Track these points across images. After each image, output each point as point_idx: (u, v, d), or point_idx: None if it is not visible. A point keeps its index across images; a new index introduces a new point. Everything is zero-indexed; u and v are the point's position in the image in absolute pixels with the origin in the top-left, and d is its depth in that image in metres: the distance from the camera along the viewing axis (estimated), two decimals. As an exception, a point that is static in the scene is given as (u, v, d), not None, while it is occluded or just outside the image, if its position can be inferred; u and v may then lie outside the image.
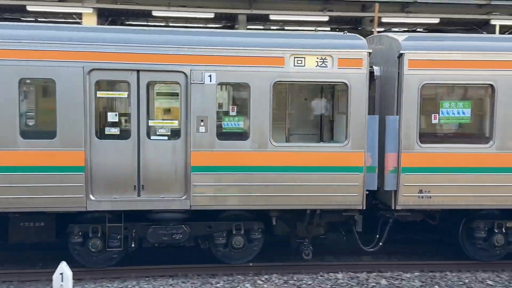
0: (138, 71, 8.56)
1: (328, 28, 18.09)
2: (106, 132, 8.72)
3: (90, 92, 8.44)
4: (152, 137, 8.73)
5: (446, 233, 10.63)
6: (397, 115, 9.17)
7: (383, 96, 9.55)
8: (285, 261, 9.91)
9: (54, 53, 8.33)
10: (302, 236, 9.72)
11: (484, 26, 15.08)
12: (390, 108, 9.32)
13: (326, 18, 16.16)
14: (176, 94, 8.99)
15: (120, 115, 8.99)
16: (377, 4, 13.70)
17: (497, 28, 14.69)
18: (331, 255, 10.51)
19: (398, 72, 9.13)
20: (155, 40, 8.67)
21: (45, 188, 8.47)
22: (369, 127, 9.07)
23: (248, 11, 15.60)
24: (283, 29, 17.80)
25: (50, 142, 8.43)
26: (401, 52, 9.06)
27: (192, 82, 8.62)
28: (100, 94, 8.65)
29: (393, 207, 9.42)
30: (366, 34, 12.67)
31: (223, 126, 9.23)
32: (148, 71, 8.58)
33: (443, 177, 9.25)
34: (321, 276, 9.29)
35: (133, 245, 9.06)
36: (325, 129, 10.37)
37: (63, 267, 7.31)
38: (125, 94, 8.73)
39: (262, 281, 9.03)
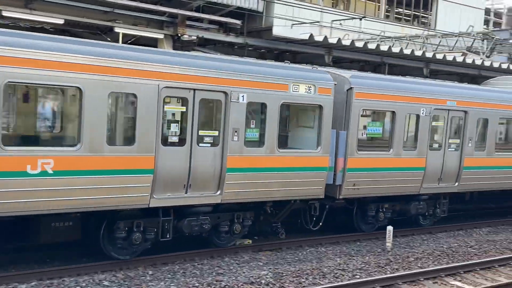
0: (194, 90, 10.21)
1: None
2: (169, 140, 10.19)
3: (159, 105, 9.78)
4: (200, 144, 10.42)
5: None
6: (345, 130, 12.53)
7: (335, 116, 12.43)
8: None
9: (137, 71, 9.49)
10: (276, 221, 12.44)
11: (109, 32, 15.32)
12: (340, 125, 12.55)
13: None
14: (217, 109, 10.75)
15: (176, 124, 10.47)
16: None
17: (121, 36, 14.96)
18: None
19: (347, 100, 12.57)
20: (208, 65, 10.39)
21: (121, 189, 9.52)
22: (331, 138, 12.22)
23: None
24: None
25: (129, 149, 9.59)
26: (352, 86, 12.51)
27: (231, 100, 10.66)
28: (166, 107, 10.12)
29: (337, 197, 12.71)
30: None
31: (246, 136, 11.04)
32: (201, 90, 10.28)
33: (366, 175, 13.07)
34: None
35: (168, 236, 10.46)
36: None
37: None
38: (184, 108, 10.34)
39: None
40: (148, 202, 9.92)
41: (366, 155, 12.91)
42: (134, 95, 9.58)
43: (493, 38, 24.57)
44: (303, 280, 9.99)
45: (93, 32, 15.30)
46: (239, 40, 16.39)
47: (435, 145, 14.24)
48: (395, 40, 28.67)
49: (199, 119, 10.41)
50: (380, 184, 13.22)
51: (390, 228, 12.72)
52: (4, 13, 13.41)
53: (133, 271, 10.00)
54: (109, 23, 14.58)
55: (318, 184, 12.13)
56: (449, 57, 18.29)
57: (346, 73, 13.03)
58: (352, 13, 33.98)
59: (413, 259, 11.95)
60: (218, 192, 10.71)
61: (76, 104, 9.18)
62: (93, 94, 9.09)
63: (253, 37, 16.69)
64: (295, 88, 11.58)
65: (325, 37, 16.42)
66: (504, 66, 20.05)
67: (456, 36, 25.79)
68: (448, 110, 14.24)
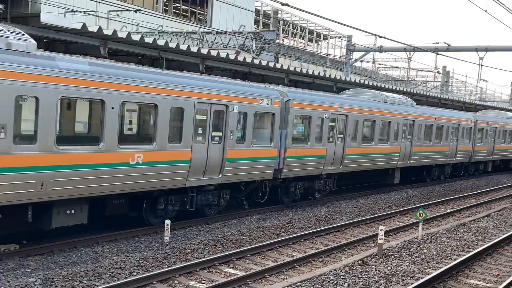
0: (211, 104, 14.22)
1: None
2: (197, 139, 13.96)
3: (194, 115, 13.72)
4: (212, 142, 14.37)
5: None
6: (285, 129, 16.93)
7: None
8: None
9: (185, 92, 13.45)
10: (241, 197, 16.71)
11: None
12: (282, 126, 16.99)
13: None
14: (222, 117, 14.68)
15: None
16: None
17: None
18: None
19: (286, 108, 17.09)
20: (217, 87, 14.44)
21: (174, 174, 13.38)
22: (279, 135, 16.71)
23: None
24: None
25: (177, 145, 13.40)
26: (289, 99, 17.11)
27: (230, 111, 14.75)
28: (197, 116, 13.87)
29: (279, 177, 17.08)
30: None
31: (236, 135, 15.18)
32: (214, 104, 14.29)
33: (296, 161, 17.51)
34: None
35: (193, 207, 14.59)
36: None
37: None
38: (205, 117, 14.15)
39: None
40: (185, 183, 13.84)
41: (296, 147, 17.60)
42: (182, 109, 13.47)
43: (261, 37, 26.47)
44: (76, 283, 9.51)
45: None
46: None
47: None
48: (173, 35, 29.12)
49: (213, 124, 14.38)
50: (302, 167, 18.00)
51: (168, 222, 12.85)
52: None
53: None
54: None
55: (270, 168, 16.79)
56: (223, 54, 19.12)
57: (285, 89, 17.86)
58: (130, 5, 33.48)
59: (190, 250, 12.26)
60: (220, 176, 14.81)
61: (153, 115, 12.88)
62: (163, 108, 12.89)
63: (19, 24, 15.24)
64: (261, 102, 16.11)
65: (100, 28, 15.77)
66: (271, 64, 21.71)
67: (229, 34, 27.16)
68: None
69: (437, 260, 12.78)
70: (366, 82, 28.02)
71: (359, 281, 10.62)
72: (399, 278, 11.04)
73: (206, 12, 58.05)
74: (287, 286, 10.16)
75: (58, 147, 10.77)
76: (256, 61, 20.59)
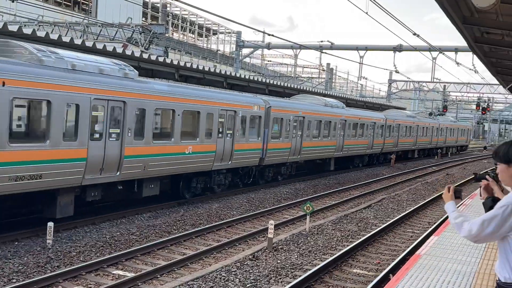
0: (226, 110, 19.41)
1: None
2: (219, 136, 19.13)
3: (217, 118, 18.83)
4: (226, 137, 19.58)
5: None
6: (266, 129, 22.33)
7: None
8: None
9: (214, 102, 18.74)
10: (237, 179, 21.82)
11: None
12: (266, 126, 22.33)
13: None
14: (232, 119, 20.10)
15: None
16: None
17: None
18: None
19: (267, 113, 22.45)
20: (228, 98, 19.99)
21: (206, 160, 18.55)
22: (263, 133, 22.07)
23: None
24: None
25: (209, 140, 18.62)
26: (271, 105, 22.63)
27: (237, 115, 20.10)
28: (219, 119, 18.95)
29: (263, 164, 22.57)
30: None
31: (240, 133, 20.42)
32: (228, 110, 19.51)
33: (273, 151, 23.02)
34: None
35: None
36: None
37: None
38: (223, 119, 19.25)
39: None
40: (211, 168, 18.96)
41: (273, 142, 23.04)
42: (212, 114, 18.53)
43: (150, 31, 25.90)
44: None
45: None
46: None
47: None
48: (54, 26, 27.60)
49: (227, 124, 19.53)
50: (276, 157, 23.53)
51: (50, 224, 12.16)
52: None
53: None
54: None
55: (257, 157, 22.11)
56: (109, 48, 18.45)
57: (267, 98, 23.64)
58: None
59: (75, 253, 11.70)
60: (230, 162, 19.96)
61: (197, 119, 17.97)
62: (203, 113, 18.17)
63: None
64: (254, 108, 21.40)
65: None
66: (161, 59, 21.31)
67: (116, 26, 26.26)
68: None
69: (323, 251, 13.28)
70: (256, 78, 28.67)
71: (250, 276, 10.75)
72: (288, 270, 11.33)
73: (91, 3, 55.63)
74: (179, 286, 10.03)
75: (153, 142, 15.93)
76: (145, 55, 20.12)
